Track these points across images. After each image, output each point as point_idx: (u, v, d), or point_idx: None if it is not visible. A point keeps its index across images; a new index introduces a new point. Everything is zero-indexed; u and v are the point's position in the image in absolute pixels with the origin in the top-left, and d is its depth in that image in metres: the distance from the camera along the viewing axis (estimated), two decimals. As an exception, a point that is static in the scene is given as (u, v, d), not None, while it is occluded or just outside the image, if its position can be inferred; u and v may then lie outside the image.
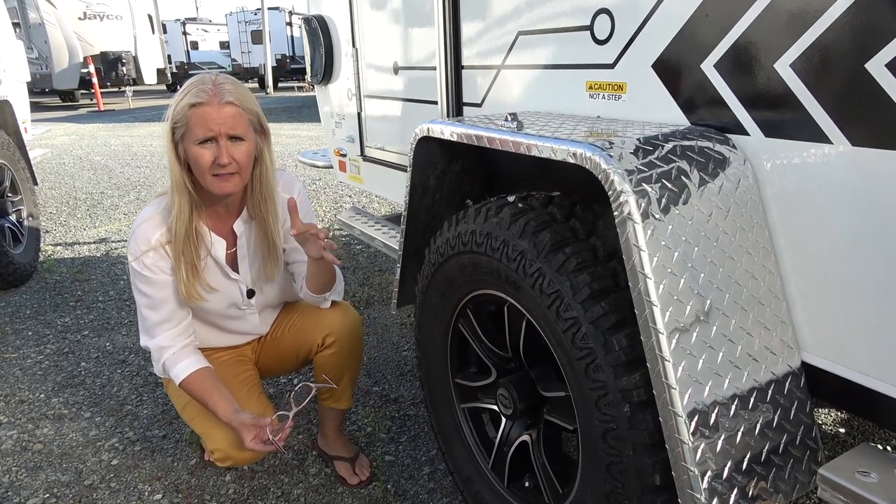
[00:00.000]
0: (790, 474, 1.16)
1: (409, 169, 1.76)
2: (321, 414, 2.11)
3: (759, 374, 1.16)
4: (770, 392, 1.17)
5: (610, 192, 1.11)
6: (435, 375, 1.83)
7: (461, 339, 1.72)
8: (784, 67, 1.14)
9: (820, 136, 1.11)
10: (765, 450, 1.14)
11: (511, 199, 1.46)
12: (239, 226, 1.75)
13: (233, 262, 1.77)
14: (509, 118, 1.44)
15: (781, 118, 1.17)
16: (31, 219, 4.22)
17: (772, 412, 1.17)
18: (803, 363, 1.23)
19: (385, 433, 2.30)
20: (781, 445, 1.16)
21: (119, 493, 2.04)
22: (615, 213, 1.11)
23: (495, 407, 1.67)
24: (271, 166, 1.71)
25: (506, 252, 1.37)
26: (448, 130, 1.56)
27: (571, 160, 1.19)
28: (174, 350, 1.71)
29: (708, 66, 1.26)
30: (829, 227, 1.14)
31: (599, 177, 1.13)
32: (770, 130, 1.19)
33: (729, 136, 1.25)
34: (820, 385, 1.23)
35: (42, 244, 4.52)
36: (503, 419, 1.66)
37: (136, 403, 2.56)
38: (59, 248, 4.76)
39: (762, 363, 1.17)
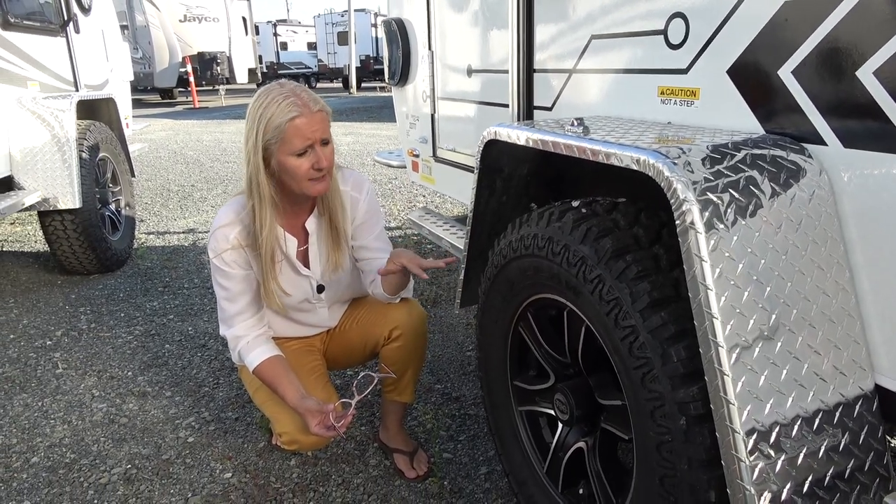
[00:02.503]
0: (856, 501, 1.10)
1: (475, 171, 1.78)
2: (384, 407, 2.17)
3: (827, 395, 1.11)
4: (838, 414, 1.12)
5: (672, 201, 1.09)
6: (494, 377, 1.84)
7: (521, 343, 1.73)
8: (866, 75, 1.08)
9: (904, 148, 1.05)
10: (829, 474, 1.09)
11: (575, 203, 1.46)
12: (311, 223, 1.83)
13: (304, 258, 1.85)
14: (575, 123, 1.43)
15: (862, 128, 1.11)
16: (127, 208, 4.54)
17: (839, 435, 1.11)
18: (877, 386, 1.16)
19: (445, 431, 2.33)
20: (848, 471, 1.11)
21: (193, 468, 2.17)
22: (677, 222, 1.09)
23: (552, 411, 1.66)
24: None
25: (567, 257, 1.36)
26: (514, 134, 1.57)
27: (635, 167, 1.18)
28: (248, 339, 1.81)
29: (785, 73, 1.22)
30: (912, 244, 1.07)
31: (662, 184, 1.11)
32: (849, 141, 1.14)
33: (805, 145, 1.20)
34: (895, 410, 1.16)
35: (136, 232, 4.84)
36: (560, 424, 1.65)
37: (212, 386, 2.71)
38: (151, 236, 5.08)
39: (830, 384, 1.12)
